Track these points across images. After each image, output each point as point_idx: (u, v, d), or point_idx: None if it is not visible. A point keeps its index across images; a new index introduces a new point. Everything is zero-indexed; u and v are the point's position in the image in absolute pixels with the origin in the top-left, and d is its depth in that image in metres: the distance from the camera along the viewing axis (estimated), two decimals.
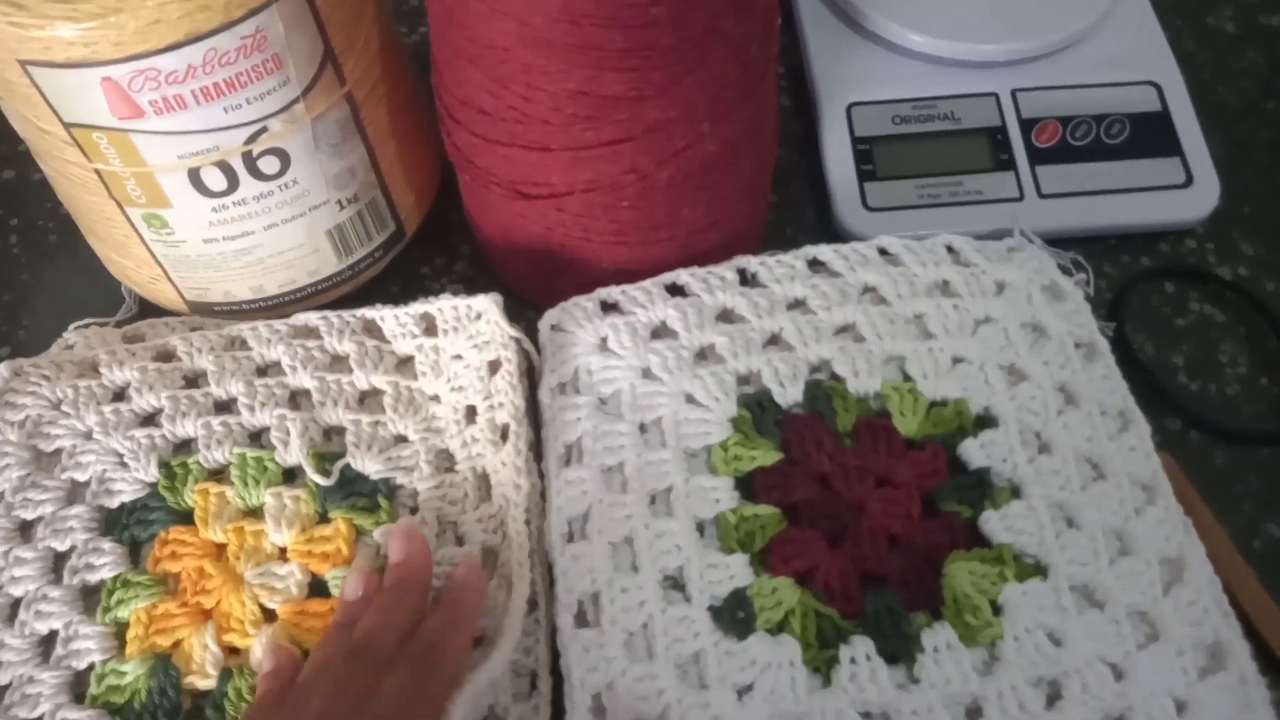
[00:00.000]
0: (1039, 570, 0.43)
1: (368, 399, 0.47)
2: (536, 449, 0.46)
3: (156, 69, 0.40)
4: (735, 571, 0.42)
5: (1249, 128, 0.61)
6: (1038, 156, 0.56)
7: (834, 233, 0.56)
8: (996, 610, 0.42)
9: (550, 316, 0.49)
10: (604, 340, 0.48)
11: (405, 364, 0.48)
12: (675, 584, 0.43)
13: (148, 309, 0.53)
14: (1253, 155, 0.60)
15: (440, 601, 0.41)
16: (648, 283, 0.49)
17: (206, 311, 0.51)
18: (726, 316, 0.49)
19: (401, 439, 0.46)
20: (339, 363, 0.47)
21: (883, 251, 0.51)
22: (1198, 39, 0.64)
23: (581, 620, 0.42)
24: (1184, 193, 0.55)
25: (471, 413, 0.46)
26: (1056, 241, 0.52)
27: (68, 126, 0.42)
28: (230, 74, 0.41)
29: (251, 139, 0.44)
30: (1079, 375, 0.47)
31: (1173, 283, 0.56)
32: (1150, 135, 0.56)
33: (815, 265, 0.51)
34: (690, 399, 0.47)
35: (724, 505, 0.44)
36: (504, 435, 0.45)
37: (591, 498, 0.44)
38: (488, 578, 0.43)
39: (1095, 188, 0.55)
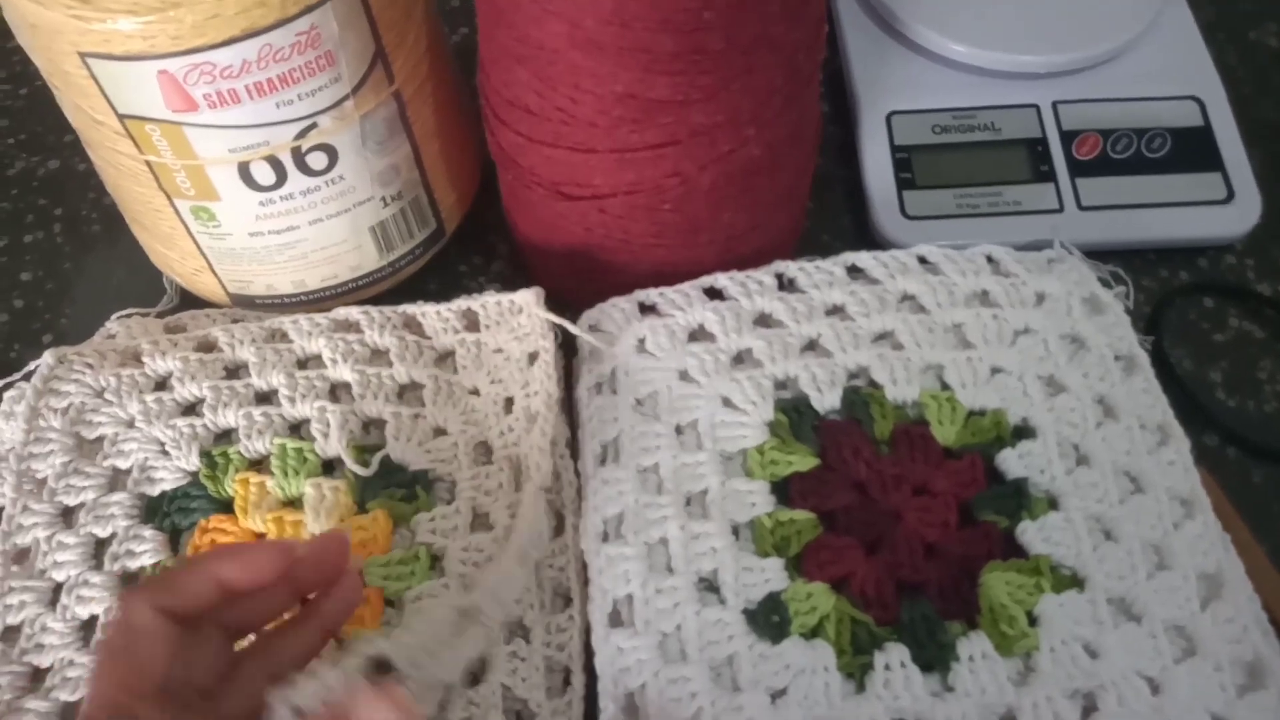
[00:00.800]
0: (1076, 582, 0.42)
1: (407, 392, 0.47)
2: (573, 449, 0.47)
3: (212, 63, 0.40)
4: (770, 575, 0.42)
5: None
6: (1078, 169, 0.56)
7: (871, 240, 0.56)
8: (1032, 621, 0.41)
9: (589, 316, 0.49)
10: (642, 341, 0.48)
11: (445, 358, 0.48)
12: (710, 586, 0.43)
13: (189, 300, 0.53)
14: None
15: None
16: (686, 285, 0.49)
17: (248, 304, 0.51)
18: (764, 321, 0.49)
19: (441, 431, 0.46)
20: (379, 356, 0.47)
21: (922, 260, 0.51)
22: (1240, 54, 0.64)
23: (615, 620, 0.42)
24: (1225, 208, 0.55)
25: (509, 404, 0.46)
26: (1096, 254, 0.51)
27: (121, 118, 0.43)
28: (283, 70, 0.42)
29: (301, 134, 0.44)
30: (1118, 388, 0.47)
31: (1212, 298, 0.55)
32: (1192, 150, 0.56)
33: (854, 272, 0.51)
34: (727, 402, 0.47)
35: (760, 509, 0.44)
36: (534, 420, 0.45)
37: (627, 498, 0.44)
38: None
39: (1135, 201, 0.55)
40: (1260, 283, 0.56)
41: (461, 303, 0.48)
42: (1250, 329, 0.54)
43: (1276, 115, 0.61)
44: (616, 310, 0.49)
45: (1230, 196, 0.55)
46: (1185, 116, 0.57)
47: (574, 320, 0.49)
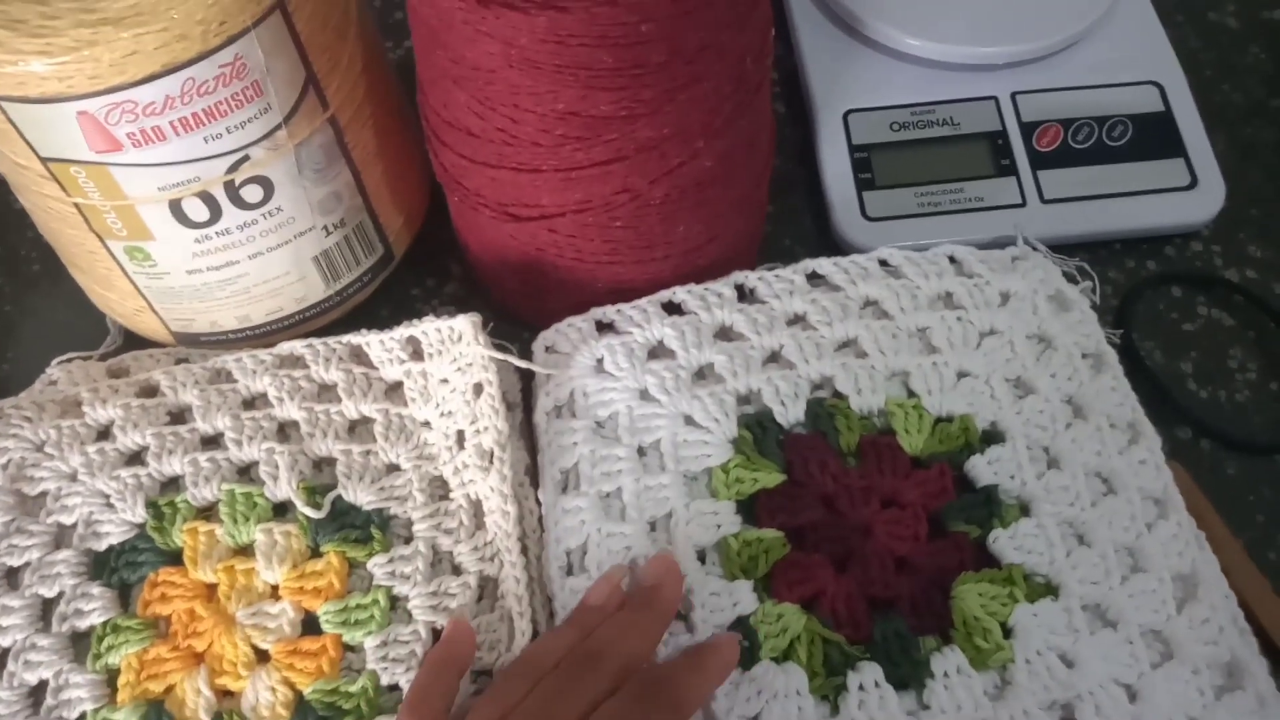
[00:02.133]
0: (1050, 590, 0.42)
1: (358, 428, 0.46)
2: (533, 474, 0.45)
3: (134, 101, 0.39)
4: (739, 598, 0.41)
5: (1254, 126, 0.59)
6: (1039, 161, 0.55)
7: (833, 243, 0.55)
8: (1007, 633, 0.41)
9: (545, 338, 0.48)
10: (600, 361, 0.47)
11: (394, 390, 0.47)
12: (678, 614, 0.42)
13: (133, 340, 0.52)
14: (1259, 155, 0.58)
15: (689, 652, 0.40)
16: (643, 301, 0.48)
17: (192, 342, 0.50)
18: (725, 334, 0.48)
19: (394, 468, 0.45)
20: (327, 392, 0.46)
21: (884, 263, 0.50)
22: (1200, 36, 0.63)
23: None
24: (1189, 195, 0.54)
25: (461, 438, 0.45)
26: (1060, 247, 0.51)
27: (45, 161, 0.41)
28: (209, 103, 0.40)
29: (233, 168, 0.43)
30: (1087, 387, 0.46)
31: (1180, 287, 0.54)
32: (1153, 137, 0.55)
33: (815, 279, 0.50)
34: (690, 420, 0.46)
35: (726, 530, 0.43)
36: (490, 460, 0.44)
37: (589, 528, 0.43)
38: (487, 609, 0.42)
39: (1098, 192, 0.54)
40: (1228, 269, 0.55)
41: (403, 330, 0.46)
42: (1220, 317, 0.54)
43: (1238, 96, 0.60)
44: (573, 330, 0.48)
45: (1194, 183, 0.54)
46: (1146, 102, 0.56)
47: (530, 341, 0.48)
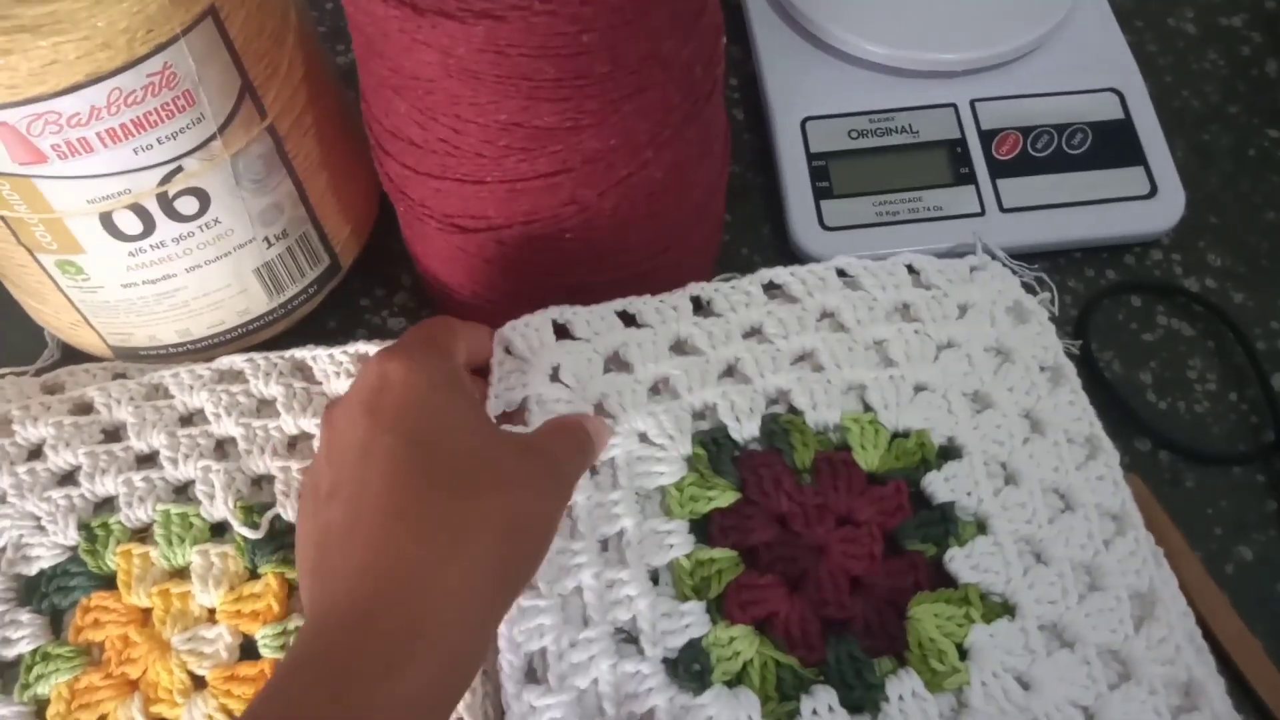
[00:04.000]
0: (1007, 609, 0.41)
1: (298, 444, 0.44)
2: None
3: (56, 112, 0.37)
4: (691, 620, 0.40)
5: (1212, 133, 0.59)
6: (999, 169, 0.54)
7: (790, 252, 0.54)
8: (963, 654, 0.40)
9: (503, 335, 0.45)
10: (556, 369, 0.46)
11: None
12: (628, 637, 0.41)
13: (71, 355, 0.50)
14: (1217, 163, 0.58)
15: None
16: (601, 308, 0.47)
17: (131, 356, 0.48)
18: (680, 347, 0.47)
19: None
20: (266, 407, 0.45)
21: (841, 273, 0.49)
22: (1159, 41, 0.62)
23: (530, 677, 0.40)
24: (1148, 203, 0.54)
25: None
26: (1020, 256, 0.50)
27: None
28: (138, 113, 0.39)
29: (166, 179, 0.41)
30: (1045, 401, 0.46)
31: (1140, 296, 0.54)
32: (1113, 144, 0.55)
33: (772, 289, 0.49)
34: (644, 437, 0.45)
35: (679, 550, 0.42)
36: None
37: None
38: None
39: (1058, 200, 0.54)
40: (1188, 278, 0.54)
41: (356, 346, 0.45)
42: (1179, 326, 0.53)
43: (1197, 102, 0.60)
44: (531, 330, 0.46)
45: (1153, 191, 0.54)
46: (1105, 110, 0.56)
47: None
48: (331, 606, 0.32)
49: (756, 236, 0.56)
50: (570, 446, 0.40)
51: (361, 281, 0.54)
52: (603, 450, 0.42)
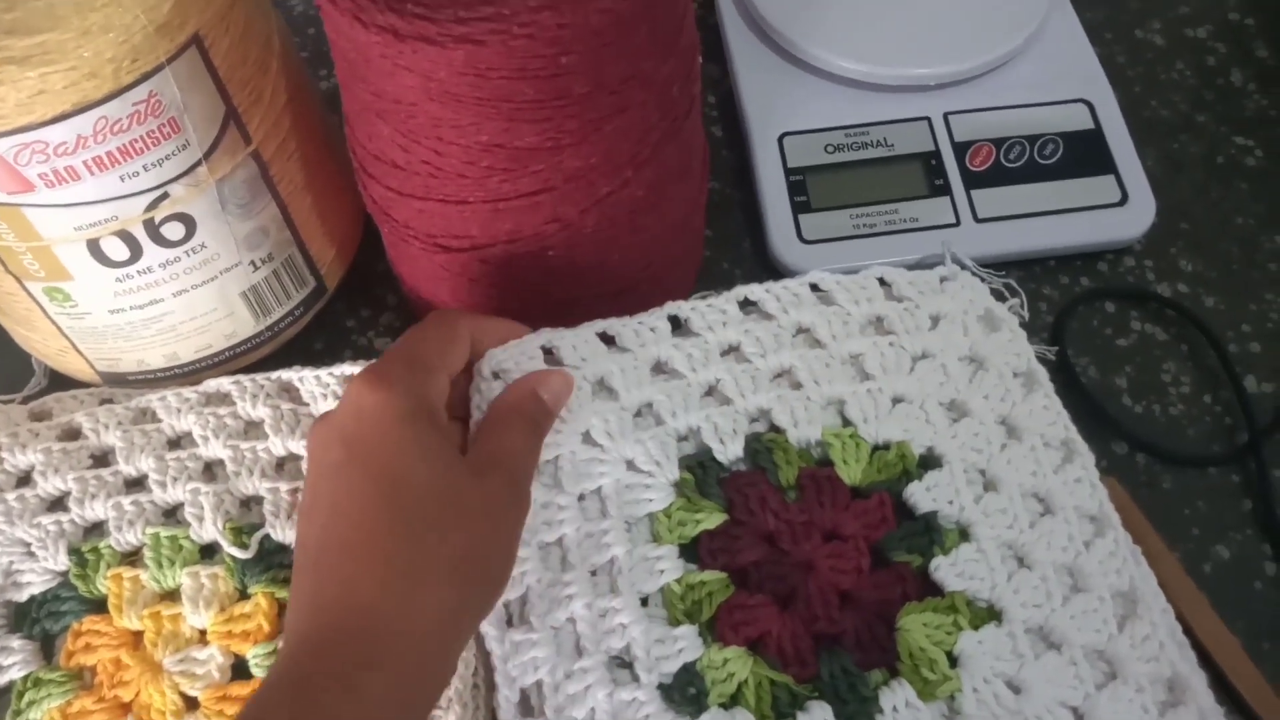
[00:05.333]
0: (993, 615, 0.41)
1: (286, 464, 0.45)
2: None
3: (44, 141, 0.38)
4: (684, 644, 0.40)
5: (1181, 142, 0.60)
6: (972, 180, 0.55)
7: (770, 265, 0.55)
8: (953, 662, 0.40)
9: (494, 359, 0.45)
10: None
11: None
12: (622, 664, 0.41)
13: (59, 381, 0.51)
14: (1187, 171, 0.59)
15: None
16: (583, 330, 0.47)
17: (120, 382, 0.49)
18: (660, 369, 0.47)
19: None
20: (254, 429, 0.45)
21: (815, 287, 0.49)
22: (1128, 53, 0.64)
23: (525, 710, 0.40)
24: (1120, 211, 0.55)
25: None
26: (994, 266, 0.51)
27: None
28: (124, 141, 0.39)
29: (152, 206, 0.42)
30: (1019, 407, 0.46)
31: (1113, 303, 0.55)
32: (1084, 154, 0.56)
33: (747, 305, 0.49)
34: (632, 465, 0.44)
35: (669, 575, 0.42)
36: None
37: (530, 578, 0.42)
38: None
39: (1031, 210, 0.55)
40: (1160, 283, 0.55)
41: (342, 368, 0.45)
42: (1153, 331, 0.54)
43: (1166, 112, 0.61)
44: (523, 355, 0.45)
45: (1124, 199, 0.55)
46: (1076, 120, 0.57)
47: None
48: (296, 632, 0.34)
49: (737, 251, 0.57)
50: (524, 431, 0.41)
51: (347, 303, 0.54)
52: (565, 402, 0.43)
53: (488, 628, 0.41)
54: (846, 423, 0.46)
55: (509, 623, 0.41)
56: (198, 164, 0.42)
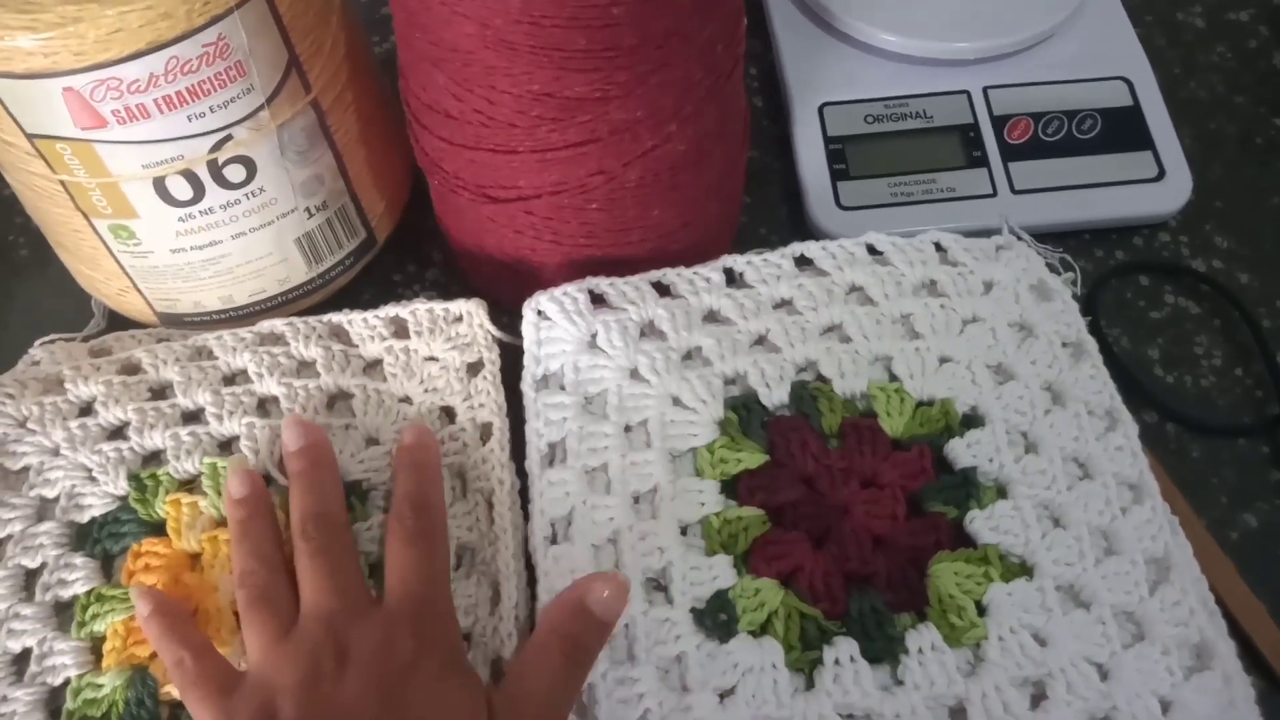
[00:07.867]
0: (1025, 570, 0.42)
1: (337, 403, 0.46)
2: (513, 445, 0.46)
3: (118, 78, 0.40)
4: (718, 573, 0.42)
5: (1218, 122, 0.61)
6: (1010, 153, 0.56)
7: (807, 232, 0.56)
8: (981, 611, 0.41)
9: (536, 301, 0.47)
10: (594, 338, 0.47)
11: (373, 367, 0.47)
12: (658, 585, 0.42)
13: (118, 322, 0.52)
14: (1223, 149, 0.60)
15: (402, 467, 0.42)
16: (636, 279, 0.48)
17: (176, 323, 0.51)
18: (713, 317, 0.48)
19: (373, 441, 0.45)
20: (306, 368, 0.47)
21: (871, 249, 0.50)
22: (1167, 35, 0.64)
23: None
24: (1156, 186, 0.56)
25: (447, 413, 0.46)
26: (1032, 237, 0.51)
27: (30, 138, 0.42)
28: (193, 82, 0.41)
29: (216, 147, 0.43)
30: (1066, 375, 0.47)
31: (1147, 276, 0.56)
32: (1122, 130, 0.57)
33: (802, 263, 0.50)
34: (677, 401, 0.46)
35: (709, 509, 0.43)
36: (485, 434, 0.45)
37: (574, 499, 0.43)
38: (464, 576, 0.42)
39: (1068, 183, 0.56)
40: (1194, 259, 0.56)
41: (390, 310, 0.47)
42: (1186, 305, 0.55)
43: (1204, 93, 0.62)
44: (567, 299, 0.47)
45: (1161, 174, 0.56)
46: (1114, 97, 0.57)
47: (507, 325, 0.48)
48: None
49: (774, 218, 0.58)
50: (561, 664, 0.38)
51: (395, 257, 0.56)
52: (621, 610, 0.40)
53: (533, 545, 0.43)
54: (893, 378, 0.46)
55: (553, 540, 0.43)
56: (260, 108, 0.43)
